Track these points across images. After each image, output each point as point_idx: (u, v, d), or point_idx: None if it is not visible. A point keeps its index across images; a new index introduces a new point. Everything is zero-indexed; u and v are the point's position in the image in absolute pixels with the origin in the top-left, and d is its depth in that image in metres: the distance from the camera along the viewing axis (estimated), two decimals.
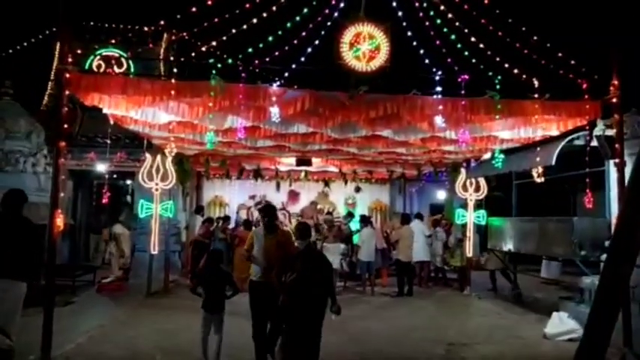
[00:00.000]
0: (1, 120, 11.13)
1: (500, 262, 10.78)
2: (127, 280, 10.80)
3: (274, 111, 6.56)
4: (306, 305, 4.45)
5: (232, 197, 16.01)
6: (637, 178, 3.50)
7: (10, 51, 8.77)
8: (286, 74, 6.68)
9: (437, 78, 6.97)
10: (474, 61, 7.13)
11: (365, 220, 11.45)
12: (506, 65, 7.05)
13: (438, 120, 7.15)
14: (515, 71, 7.09)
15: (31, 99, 12.50)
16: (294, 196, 16.02)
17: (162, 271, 10.46)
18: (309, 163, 12.29)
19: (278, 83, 6.65)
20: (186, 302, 9.24)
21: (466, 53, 7.15)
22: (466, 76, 6.89)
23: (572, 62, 7.05)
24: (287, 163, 12.96)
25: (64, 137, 5.95)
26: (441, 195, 15.55)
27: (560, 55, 7.01)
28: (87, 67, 11.83)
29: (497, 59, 7.05)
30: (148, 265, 9.94)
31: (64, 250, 11.97)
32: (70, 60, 5.75)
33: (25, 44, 8.77)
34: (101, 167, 12.08)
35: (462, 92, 6.93)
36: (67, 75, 5.69)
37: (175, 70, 6.69)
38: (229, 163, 12.83)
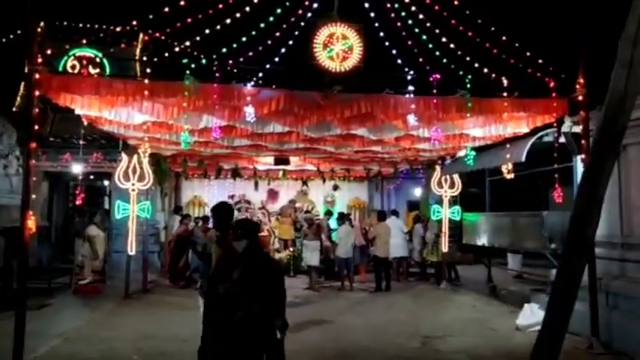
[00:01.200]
0: None
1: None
2: (103, 281, 10.71)
3: (249, 110, 6.61)
4: (240, 326, 3.41)
5: (211, 197, 15.88)
6: (588, 172, 3.68)
7: None
8: (260, 74, 6.72)
9: (409, 77, 7.11)
10: (445, 60, 7.29)
11: (342, 218, 11.58)
12: (476, 65, 7.22)
13: (411, 118, 7.30)
14: (485, 70, 7.27)
15: (2, 100, 12.25)
16: (273, 194, 16.03)
17: (141, 271, 10.40)
18: (287, 162, 12.35)
19: (252, 83, 6.69)
20: (165, 302, 9.28)
21: (437, 53, 7.30)
22: (437, 76, 7.05)
23: (540, 61, 7.25)
24: (265, 162, 12.99)
25: (35, 138, 5.88)
26: (418, 192, 15.79)
27: (528, 54, 7.21)
28: (61, 67, 11.65)
29: (468, 59, 7.22)
30: (126, 266, 9.88)
31: (40, 252, 11.79)
32: (40, 60, 5.68)
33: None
34: (77, 168, 11.93)
35: (434, 91, 7.08)
36: (37, 75, 5.63)
37: (149, 70, 6.67)
38: (207, 162, 12.81)
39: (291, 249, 13.11)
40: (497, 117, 7.79)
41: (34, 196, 5.94)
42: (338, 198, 16.31)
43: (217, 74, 6.53)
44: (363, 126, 8.28)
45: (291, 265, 12.54)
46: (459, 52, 7.23)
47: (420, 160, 12.32)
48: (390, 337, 7.00)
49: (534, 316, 7.40)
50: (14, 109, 12.84)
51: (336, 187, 15.96)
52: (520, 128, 8.21)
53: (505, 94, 7.26)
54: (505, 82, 7.23)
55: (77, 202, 10.14)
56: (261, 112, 6.75)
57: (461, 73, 7.14)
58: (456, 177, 11.40)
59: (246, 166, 13.83)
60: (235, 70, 6.85)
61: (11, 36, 8.79)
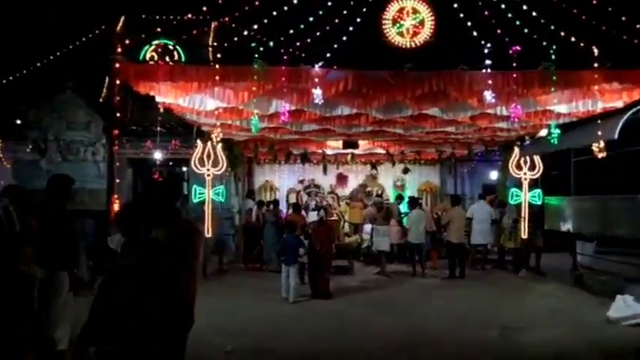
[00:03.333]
0: (63, 112, 11.84)
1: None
2: None
3: (317, 92, 6.52)
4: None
5: (282, 182, 16.23)
6: None
7: (77, 43, 9.14)
8: (328, 55, 6.60)
9: (486, 51, 6.66)
10: (526, 30, 6.73)
11: (413, 202, 11.27)
12: (562, 33, 6.61)
13: (488, 95, 6.82)
14: (572, 39, 6.64)
15: (90, 92, 13.13)
16: (342, 179, 16.00)
17: (217, 253, 10.83)
18: (355, 145, 12.22)
19: (320, 64, 6.59)
20: (240, 283, 9.57)
21: (517, 23, 6.76)
22: (518, 48, 6.54)
23: (638, 26, 6.51)
24: (334, 146, 12.95)
25: (118, 126, 6.22)
26: (493, 175, 14.99)
27: (622, 19, 6.49)
28: (142, 57, 12.24)
29: (552, 27, 6.62)
30: (203, 247, 10.30)
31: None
32: (119, 50, 5.96)
33: (89, 37, 9.15)
34: (157, 155, 12.54)
35: (514, 65, 6.59)
36: (117, 65, 5.92)
37: (219, 55, 6.79)
38: (277, 148, 12.99)
39: (361, 234, 13.00)
40: (587, 91, 7.11)
41: (117, 181, 6.30)
42: (408, 182, 15.94)
43: (285, 57, 6.50)
44: (436, 105, 7.90)
45: (360, 249, 12.46)
46: (542, 21, 6.65)
47: (496, 141, 11.67)
48: (465, 326, 6.69)
49: (629, 309, 6.77)
50: (100, 99, 13.75)
51: (406, 171, 15.57)
52: (613, 102, 7.46)
53: (596, 64, 6.60)
54: (596, 51, 6.57)
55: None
56: (329, 93, 6.64)
57: (544, 43, 6.57)
58: (536, 158, 10.63)
59: (315, 150, 13.88)
60: (303, 55, 6.79)
61: (97, 31, 9.36)
